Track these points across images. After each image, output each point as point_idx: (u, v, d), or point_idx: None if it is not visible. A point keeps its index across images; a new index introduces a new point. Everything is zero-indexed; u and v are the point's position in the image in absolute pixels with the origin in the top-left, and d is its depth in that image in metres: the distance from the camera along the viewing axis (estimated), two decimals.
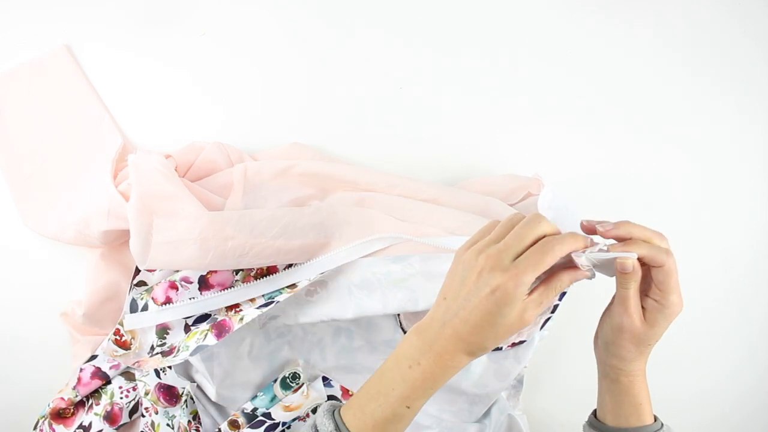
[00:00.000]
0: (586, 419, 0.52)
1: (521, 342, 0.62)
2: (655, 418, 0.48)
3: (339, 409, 0.46)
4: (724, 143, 0.73)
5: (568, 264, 0.43)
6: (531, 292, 0.42)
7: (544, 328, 0.62)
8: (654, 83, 0.72)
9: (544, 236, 0.42)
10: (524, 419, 0.67)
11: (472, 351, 0.43)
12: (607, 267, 0.43)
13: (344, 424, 0.44)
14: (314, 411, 0.64)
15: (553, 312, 0.61)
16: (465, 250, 0.44)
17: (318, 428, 0.44)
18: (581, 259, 0.43)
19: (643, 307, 0.45)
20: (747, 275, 0.76)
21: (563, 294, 0.59)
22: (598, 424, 0.50)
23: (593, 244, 0.43)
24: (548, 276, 0.43)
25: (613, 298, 0.46)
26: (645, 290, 0.45)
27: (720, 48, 0.72)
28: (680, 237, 0.73)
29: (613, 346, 0.46)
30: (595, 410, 0.52)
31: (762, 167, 0.74)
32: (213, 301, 0.59)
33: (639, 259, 0.43)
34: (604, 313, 0.48)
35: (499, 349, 0.62)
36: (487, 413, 0.68)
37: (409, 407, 0.44)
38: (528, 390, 0.69)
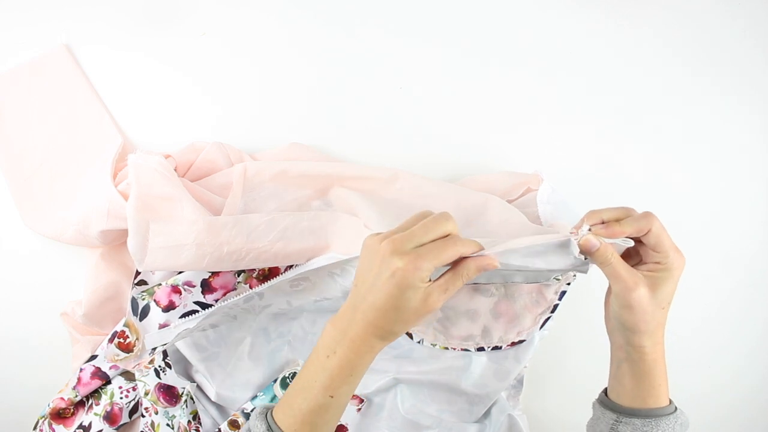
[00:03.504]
0: (597, 397, 0.52)
1: (521, 342, 0.62)
2: (670, 401, 0.48)
3: (271, 410, 0.46)
4: (724, 142, 0.73)
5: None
6: (438, 278, 0.43)
7: (544, 328, 0.62)
8: (654, 82, 0.72)
9: (448, 234, 0.44)
10: (524, 419, 0.67)
11: (382, 335, 0.44)
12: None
13: (275, 422, 0.45)
14: None
15: (553, 312, 0.61)
16: (372, 237, 0.45)
17: (252, 431, 0.45)
18: (575, 247, 0.44)
19: (646, 273, 0.44)
20: (748, 275, 0.75)
21: (563, 293, 0.60)
22: (611, 403, 0.50)
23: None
24: (455, 264, 0.44)
25: (609, 286, 0.47)
26: (642, 259, 0.45)
27: (720, 48, 0.72)
28: (680, 237, 0.74)
29: (629, 323, 0.45)
30: (605, 389, 0.52)
31: (762, 167, 0.74)
32: (224, 307, 0.60)
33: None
34: (606, 300, 0.48)
35: (498, 348, 0.62)
36: (487, 413, 0.68)
37: (332, 396, 0.44)
38: (528, 390, 0.69)
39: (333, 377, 0.44)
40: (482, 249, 0.44)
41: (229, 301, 0.58)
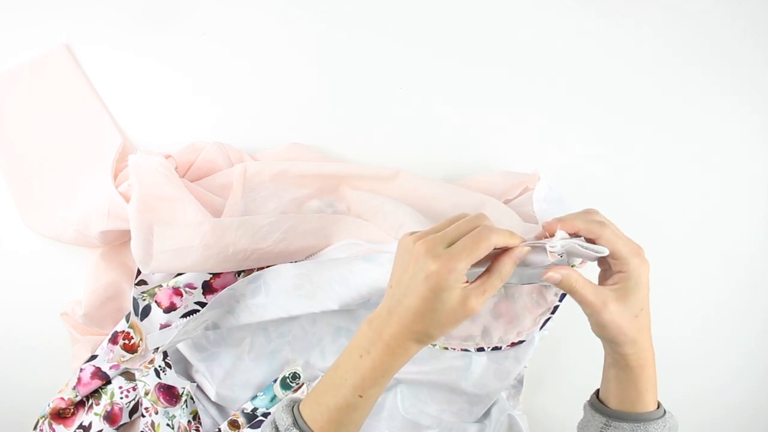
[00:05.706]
0: (588, 399, 0.52)
1: (521, 342, 0.62)
2: (659, 405, 0.48)
3: (298, 404, 0.46)
4: (723, 142, 0.73)
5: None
6: (474, 280, 0.42)
7: (544, 328, 0.62)
8: (653, 82, 0.72)
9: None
10: (524, 419, 0.67)
11: (418, 339, 0.43)
12: (575, 255, 0.45)
13: (302, 417, 0.44)
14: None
15: (553, 312, 0.60)
16: (407, 237, 0.44)
17: (277, 423, 0.44)
18: (556, 248, 0.43)
19: (613, 287, 0.44)
20: (748, 275, 0.75)
21: (563, 295, 0.59)
22: (600, 406, 0.50)
23: (525, 241, 0.44)
24: (491, 263, 0.43)
25: None
26: (607, 269, 0.45)
27: (720, 48, 0.72)
28: (680, 236, 0.74)
29: (608, 338, 0.46)
30: (597, 390, 0.52)
31: (762, 167, 0.74)
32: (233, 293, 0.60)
33: (576, 234, 0.44)
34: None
35: (498, 348, 0.62)
36: (487, 413, 0.68)
37: (361, 396, 0.43)
38: (528, 390, 0.69)
39: (365, 378, 0.43)
40: (516, 236, 0.43)
41: (237, 283, 0.58)
